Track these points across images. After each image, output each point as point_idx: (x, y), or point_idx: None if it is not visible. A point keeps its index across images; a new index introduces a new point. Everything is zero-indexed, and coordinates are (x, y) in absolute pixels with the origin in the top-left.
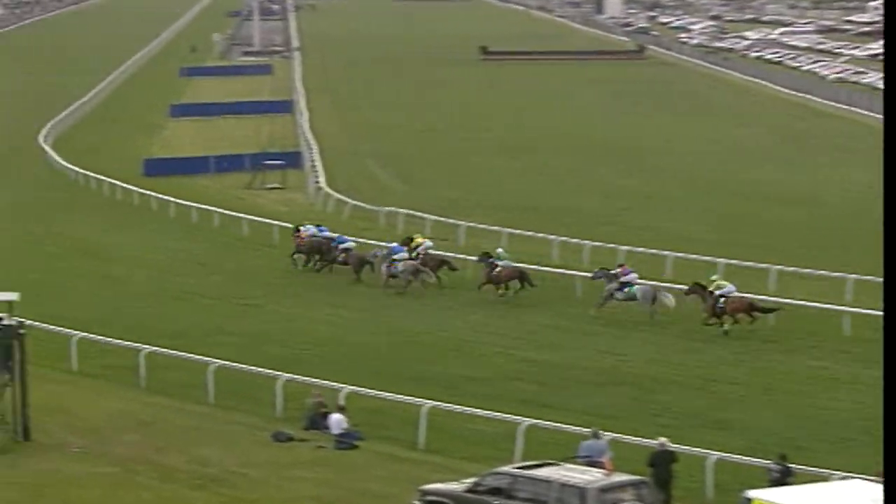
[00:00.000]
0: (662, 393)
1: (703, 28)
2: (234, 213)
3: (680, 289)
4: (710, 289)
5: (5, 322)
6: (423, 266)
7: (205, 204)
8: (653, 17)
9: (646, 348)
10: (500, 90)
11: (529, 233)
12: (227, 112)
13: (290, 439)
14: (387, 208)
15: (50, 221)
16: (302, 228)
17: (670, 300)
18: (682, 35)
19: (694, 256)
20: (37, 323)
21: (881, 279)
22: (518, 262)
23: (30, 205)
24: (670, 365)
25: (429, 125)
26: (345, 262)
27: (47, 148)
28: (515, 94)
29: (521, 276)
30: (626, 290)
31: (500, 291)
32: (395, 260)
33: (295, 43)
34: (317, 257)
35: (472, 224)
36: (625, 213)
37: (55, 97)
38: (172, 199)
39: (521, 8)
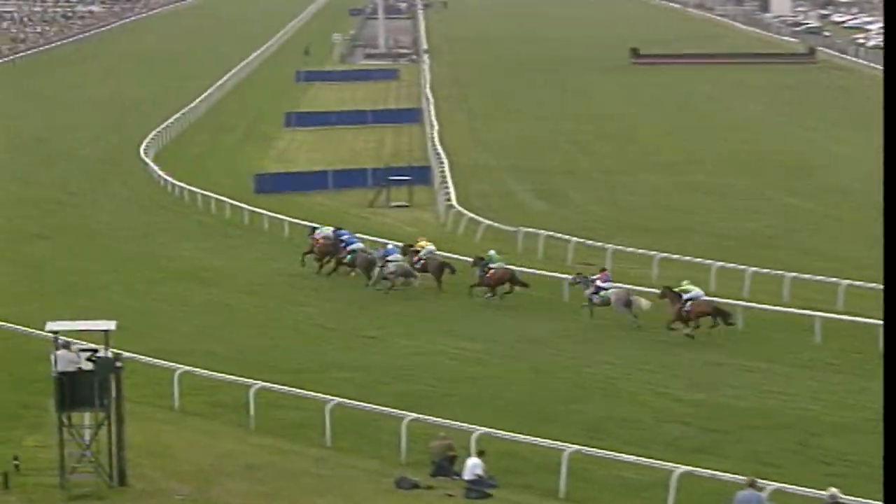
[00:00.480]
0: (831, 437)
1: (881, 28)
2: (468, 259)
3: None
4: (676, 290)
5: (100, 354)
6: (424, 269)
7: (323, 224)
8: (825, 16)
9: (811, 386)
10: (652, 97)
11: (685, 257)
12: (348, 121)
13: (416, 486)
14: (525, 229)
15: (150, 242)
16: (318, 231)
17: (644, 304)
18: (859, 36)
19: (871, 285)
20: (135, 355)
21: None
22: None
23: (128, 224)
24: (839, 406)
25: (572, 137)
26: (351, 264)
27: (148, 161)
28: (669, 102)
29: (512, 278)
30: (601, 293)
31: (488, 294)
32: (388, 261)
33: (424, 44)
34: (327, 259)
35: (619, 247)
36: (791, 236)
37: (157, 104)
38: (286, 218)
39: (676, 6)
